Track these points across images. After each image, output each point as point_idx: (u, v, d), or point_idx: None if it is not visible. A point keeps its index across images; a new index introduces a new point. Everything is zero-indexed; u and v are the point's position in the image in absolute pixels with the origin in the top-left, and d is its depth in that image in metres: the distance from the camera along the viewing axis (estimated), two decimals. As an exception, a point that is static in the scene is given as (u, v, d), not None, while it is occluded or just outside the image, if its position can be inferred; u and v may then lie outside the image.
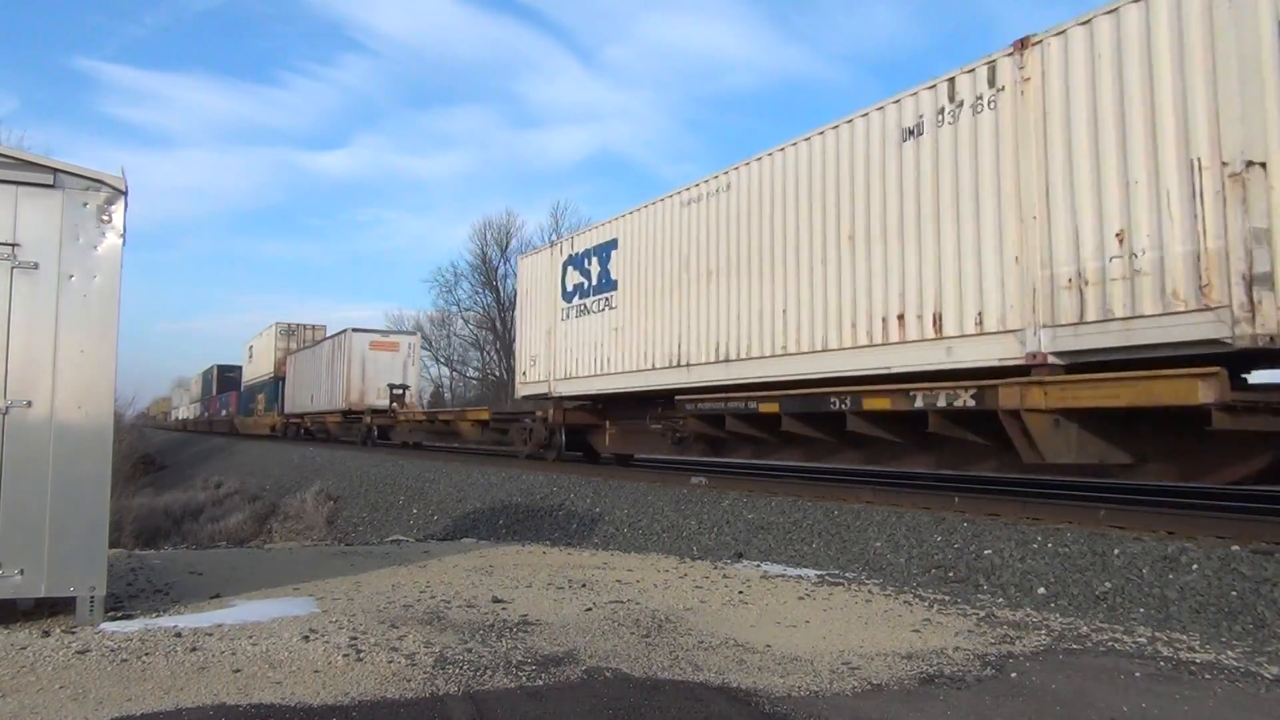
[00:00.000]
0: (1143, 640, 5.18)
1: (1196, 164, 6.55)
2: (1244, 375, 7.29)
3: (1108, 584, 6.31)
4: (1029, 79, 7.85)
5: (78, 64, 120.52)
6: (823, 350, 10.01)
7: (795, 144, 10.61)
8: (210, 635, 4.84)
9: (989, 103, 8.21)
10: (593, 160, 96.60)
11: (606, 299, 14.53)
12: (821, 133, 10.22)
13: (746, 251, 11.26)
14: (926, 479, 12.75)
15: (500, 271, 55.67)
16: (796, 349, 10.37)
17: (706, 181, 12.19)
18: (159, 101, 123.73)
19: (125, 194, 5.40)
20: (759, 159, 11.21)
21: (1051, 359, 7.60)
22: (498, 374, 54.12)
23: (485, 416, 20.07)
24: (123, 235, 5.39)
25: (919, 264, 8.84)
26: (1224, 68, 6.43)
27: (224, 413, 51.25)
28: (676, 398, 12.43)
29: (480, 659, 4.47)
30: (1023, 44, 7.94)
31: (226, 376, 54.55)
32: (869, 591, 6.72)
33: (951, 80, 8.59)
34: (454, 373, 59.33)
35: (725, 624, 5.45)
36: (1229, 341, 6.34)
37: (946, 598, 6.48)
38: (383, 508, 16.87)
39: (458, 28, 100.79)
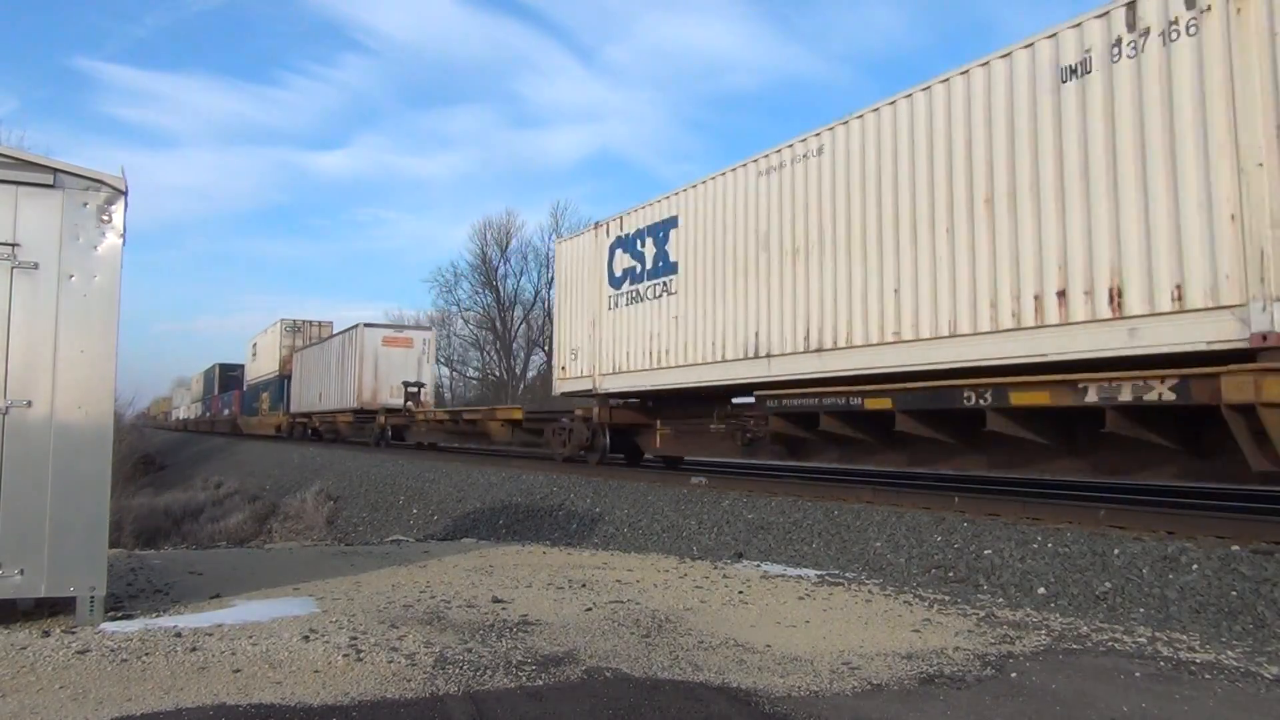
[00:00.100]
0: (1143, 640, 5.18)
1: None
2: None
3: (1108, 584, 6.31)
4: None
5: (78, 64, 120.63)
6: (949, 336, 8.51)
7: (910, 95, 9.13)
8: (210, 635, 4.83)
9: (1188, 27, 6.81)
10: (593, 160, 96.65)
11: (664, 284, 12.99)
12: (945, 80, 8.74)
13: (845, 223, 9.76)
14: (927, 479, 12.75)
15: (500, 271, 55.80)
16: (913, 335, 8.90)
17: (791, 146, 10.64)
18: (159, 101, 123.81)
19: (125, 194, 5.41)
20: (860, 116, 9.71)
21: (1292, 342, 6.13)
22: (498, 374, 54.18)
23: (517, 416, 18.34)
24: (123, 235, 5.39)
25: (1086, 229, 7.37)
26: None
27: (226, 412, 50.17)
28: (755, 393, 11.05)
29: (480, 659, 4.47)
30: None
31: (229, 375, 53.67)
32: (869, 591, 6.72)
33: (1131, 5, 7.16)
34: (454, 373, 59.35)
35: (725, 624, 5.45)
36: None
37: (946, 598, 6.48)
38: (383, 508, 16.87)
39: (458, 28, 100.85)
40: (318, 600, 5.92)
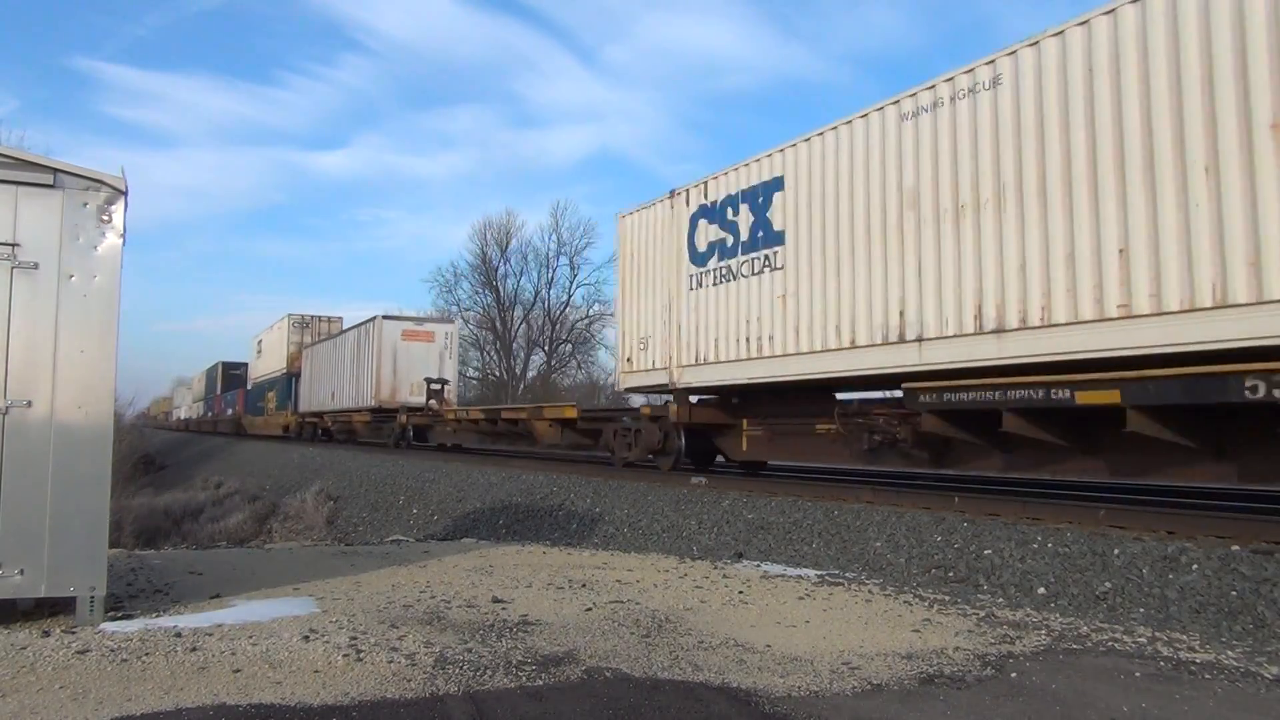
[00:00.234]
0: (1143, 640, 5.18)
1: None
2: None
3: (1108, 584, 6.31)
4: None
5: (78, 64, 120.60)
6: (1218, 306, 6.55)
7: None
8: (210, 635, 4.84)
9: None
10: (593, 160, 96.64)
11: (765, 258, 11.01)
12: None
13: (1038, 169, 7.77)
14: (926, 478, 12.74)
15: (500, 271, 55.77)
16: (1153, 308, 6.97)
17: (950, 79, 8.69)
18: (159, 101, 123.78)
19: (125, 194, 5.41)
20: (1060, 32, 7.70)
21: None
22: (498, 374, 54.17)
23: (571, 415, 16.04)
24: (123, 235, 5.39)
25: None
26: None
27: (230, 412, 48.46)
28: (903, 386, 9.12)
29: (480, 659, 4.47)
30: None
31: (231, 374, 51.45)
32: (869, 591, 6.72)
33: None
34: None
35: (725, 624, 5.45)
36: None
37: (946, 598, 6.48)
38: (383, 508, 16.87)
39: (457, 28, 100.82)
40: (318, 600, 5.92)
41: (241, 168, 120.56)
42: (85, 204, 5.32)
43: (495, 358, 55.71)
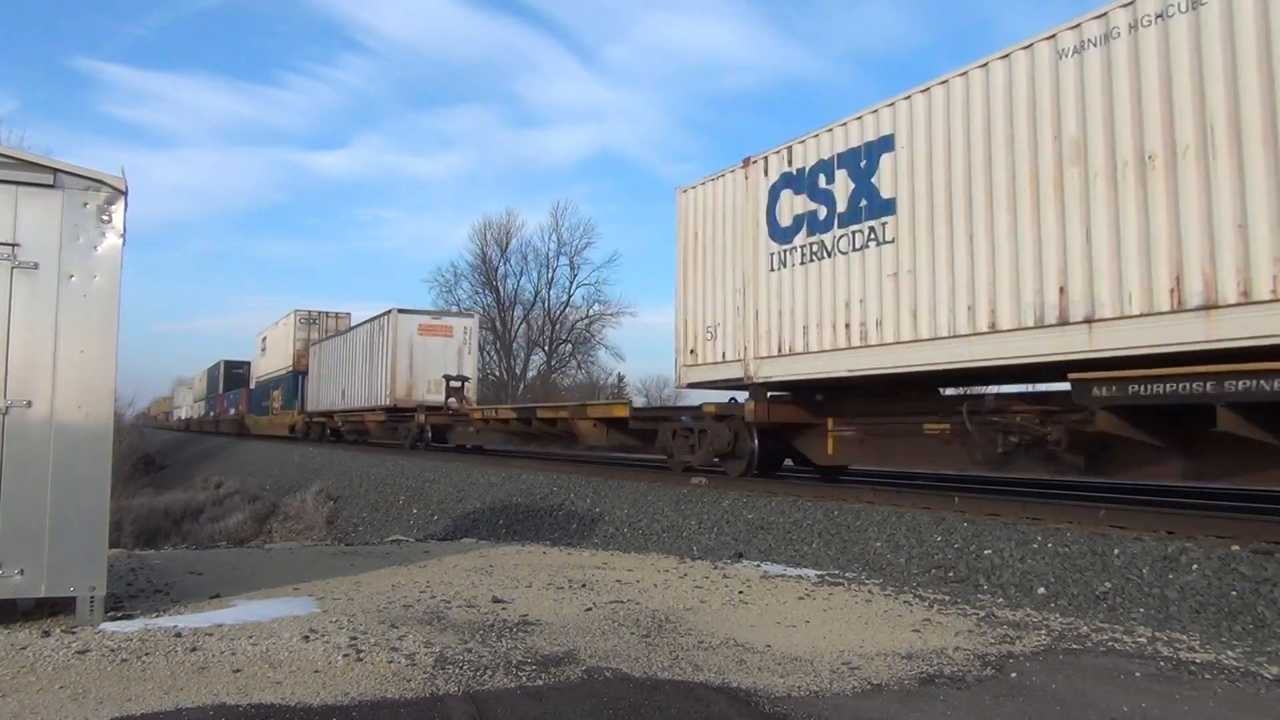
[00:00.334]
0: (1143, 640, 5.18)
1: None
2: None
3: (1108, 584, 6.31)
4: None
5: (78, 64, 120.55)
6: None
7: None
8: (210, 635, 4.84)
9: None
10: (593, 160, 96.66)
11: (869, 231, 9.54)
12: None
13: (1261, 106, 6.37)
14: (926, 478, 12.75)
15: (500, 271, 55.76)
16: None
17: (1128, 5, 7.24)
18: (159, 101, 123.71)
19: (125, 194, 5.41)
20: None
21: None
22: (497, 374, 54.11)
23: (621, 414, 14.31)
24: (123, 235, 5.39)
25: None
26: None
27: (232, 412, 47.16)
28: (1071, 377, 7.67)
29: (480, 659, 4.48)
30: None
31: (234, 373, 50.51)
32: (869, 591, 6.72)
33: None
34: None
35: (725, 624, 5.45)
36: None
37: (946, 598, 6.48)
38: (383, 508, 16.88)
39: (458, 28, 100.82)
40: (318, 600, 5.92)
41: (241, 168, 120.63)
42: (85, 204, 5.32)
43: (495, 358, 55.70)
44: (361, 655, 4.48)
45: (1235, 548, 6.15)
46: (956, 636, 5.21)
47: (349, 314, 35.79)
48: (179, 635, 4.83)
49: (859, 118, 9.83)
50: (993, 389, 9.58)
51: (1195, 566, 6.07)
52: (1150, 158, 7.10)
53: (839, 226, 10.00)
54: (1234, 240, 6.53)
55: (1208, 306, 6.67)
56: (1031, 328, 7.89)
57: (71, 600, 5.18)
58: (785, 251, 10.78)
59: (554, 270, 55.53)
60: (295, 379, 35.03)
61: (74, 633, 4.88)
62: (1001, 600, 6.48)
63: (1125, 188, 7.23)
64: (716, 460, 12.09)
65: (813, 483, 11.48)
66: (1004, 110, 8.22)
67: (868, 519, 8.62)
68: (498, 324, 54.81)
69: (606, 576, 7.22)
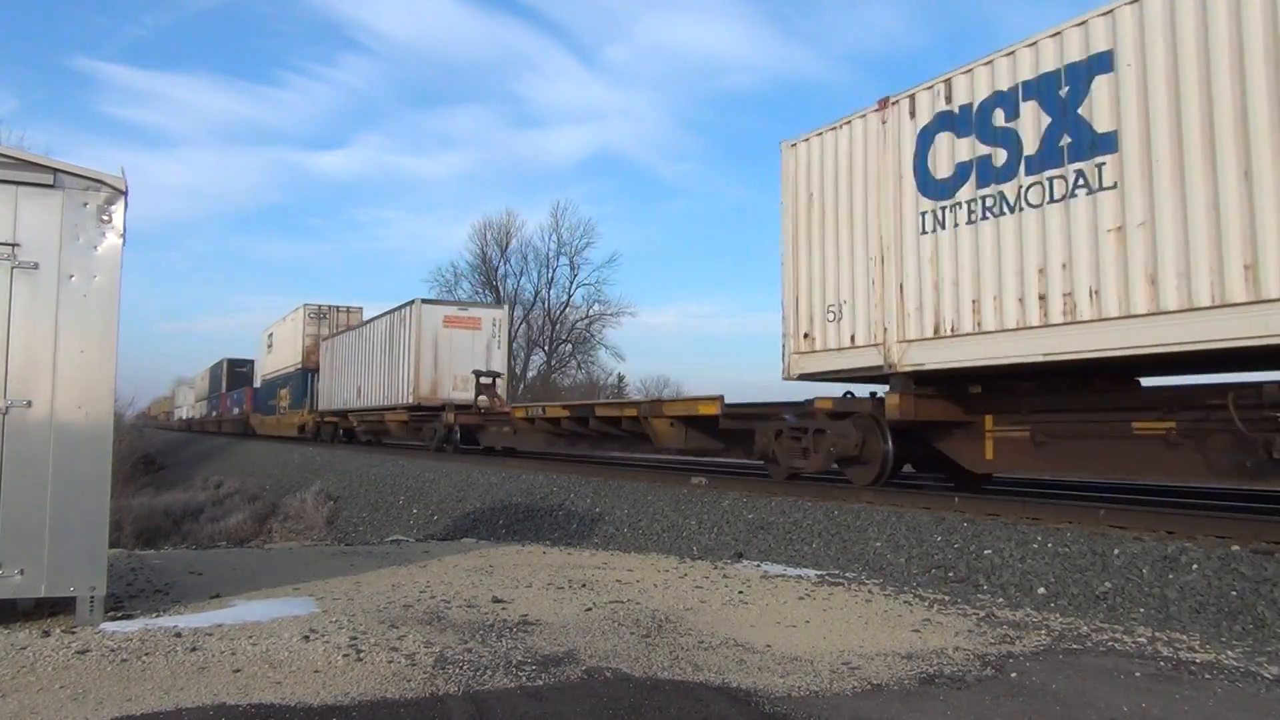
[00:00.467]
0: (1143, 640, 5.18)
1: None
2: None
3: (1108, 584, 6.32)
4: None
5: (78, 64, 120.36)
6: None
7: None
8: (210, 635, 4.84)
9: None
10: (593, 160, 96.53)
11: (1079, 175, 7.62)
12: None
13: None
14: (925, 478, 12.72)
15: (500, 272, 55.76)
16: None
17: None
18: (159, 101, 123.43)
19: (125, 194, 5.41)
20: None
21: None
22: (497, 374, 54.03)
23: (710, 411, 12.07)
24: (123, 235, 5.39)
25: None
26: None
27: (236, 411, 45.72)
28: None
29: (480, 659, 4.48)
30: None
31: (237, 371, 49.08)
32: (869, 591, 6.72)
33: None
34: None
35: (725, 624, 5.45)
36: None
37: (946, 598, 6.48)
38: (383, 508, 16.88)
39: (458, 28, 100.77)
40: (318, 600, 5.92)
41: (241, 168, 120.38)
42: (85, 204, 5.32)
43: (495, 357, 55.63)
44: (361, 655, 4.48)
45: (1235, 548, 6.15)
46: (956, 636, 5.21)
47: (361, 308, 34.19)
48: (179, 635, 4.83)
49: (1056, 33, 7.86)
50: (1228, 377, 7.77)
51: (1195, 566, 6.07)
52: None
53: (1028, 173, 8.06)
54: None
55: None
56: None
57: (71, 600, 5.18)
58: (942, 209, 8.90)
59: (554, 270, 55.59)
60: (305, 376, 33.55)
61: (74, 633, 4.89)
62: (1001, 600, 6.48)
63: None
64: (836, 465, 10.44)
65: (813, 483, 11.39)
66: None
67: (868, 519, 8.62)
68: (498, 324, 54.72)
69: (606, 576, 7.22)
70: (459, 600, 6.02)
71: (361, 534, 15.75)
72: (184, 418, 69.48)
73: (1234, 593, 5.73)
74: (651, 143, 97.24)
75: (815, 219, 10.54)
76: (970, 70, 8.71)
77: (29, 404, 5.14)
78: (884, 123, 9.64)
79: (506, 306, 30.80)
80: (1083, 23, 7.73)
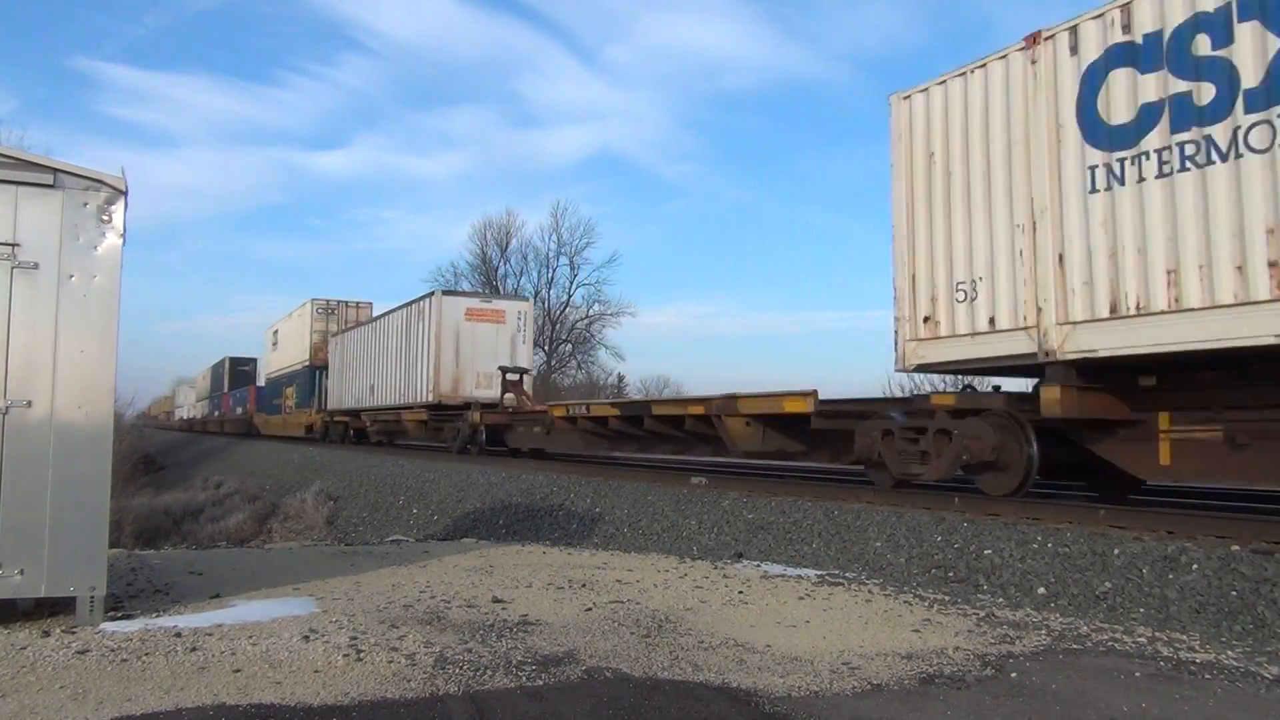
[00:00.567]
0: (1143, 640, 5.18)
1: None
2: None
3: (1108, 584, 6.32)
4: None
5: (78, 64, 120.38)
6: None
7: None
8: (210, 635, 4.84)
9: None
10: (593, 160, 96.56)
11: None
12: None
13: None
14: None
15: (500, 272, 55.76)
16: None
17: None
18: (159, 101, 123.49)
19: (125, 194, 5.41)
20: None
21: None
22: (497, 374, 54.08)
23: (800, 408, 10.57)
24: (123, 235, 5.39)
25: None
26: None
27: (240, 411, 44.71)
28: None
29: (480, 659, 4.48)
30: None
31: (240, 370, 48.32)
32: (869, 591, 6.72)
33: None
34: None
35: (725, 624, 5.45)
36: None
37: (946, 598, 6.48)
38: (383, 508, 16.88)
39: (458, 28, 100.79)
40: (318, 600, 5.92)
41: (241, 168, 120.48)
42: (85, 204, 5.32)
43: (495, 357, 55.64)
44: (361, 655, 4.48)
45: (1235, 548, 6.15)
46: (956, 636, 5.21)
47: (370, 304, 32.89)
48: (179, 635, 4.83)
49: None
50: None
51: (1195, 566, 6.07)
52: None
53: (1247, 111, 6.57)
54: None
55: None
56: None
57: (71, 600, 5.18)
58: (1122, 161, 7.41)
59: (554, 270, 55.59)
60: (312, 374, 32.36)
61: (74, 633, 4.88)
62: (1001, 600, 6.48)
63: None
64: (961, 471, 8.99)
65: (813, 483, 11.40)
66: None
67: (868, 519, 8.61)
68: (498, 323, 54.72)
69: (606, 576, 7.22)
70: (459, 600, 6.02)
71: (361, 534, 15.75)
72: (184, 418, 69.03)
73: (1234, 593, 5.73)
74: (651, 143, 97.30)
75: (939, 182, 9.05)
76: None
77: (29, 404, 5.13)
78: (1033, 62, 8.15)
79: (530, 299, 29.41)
80: None
